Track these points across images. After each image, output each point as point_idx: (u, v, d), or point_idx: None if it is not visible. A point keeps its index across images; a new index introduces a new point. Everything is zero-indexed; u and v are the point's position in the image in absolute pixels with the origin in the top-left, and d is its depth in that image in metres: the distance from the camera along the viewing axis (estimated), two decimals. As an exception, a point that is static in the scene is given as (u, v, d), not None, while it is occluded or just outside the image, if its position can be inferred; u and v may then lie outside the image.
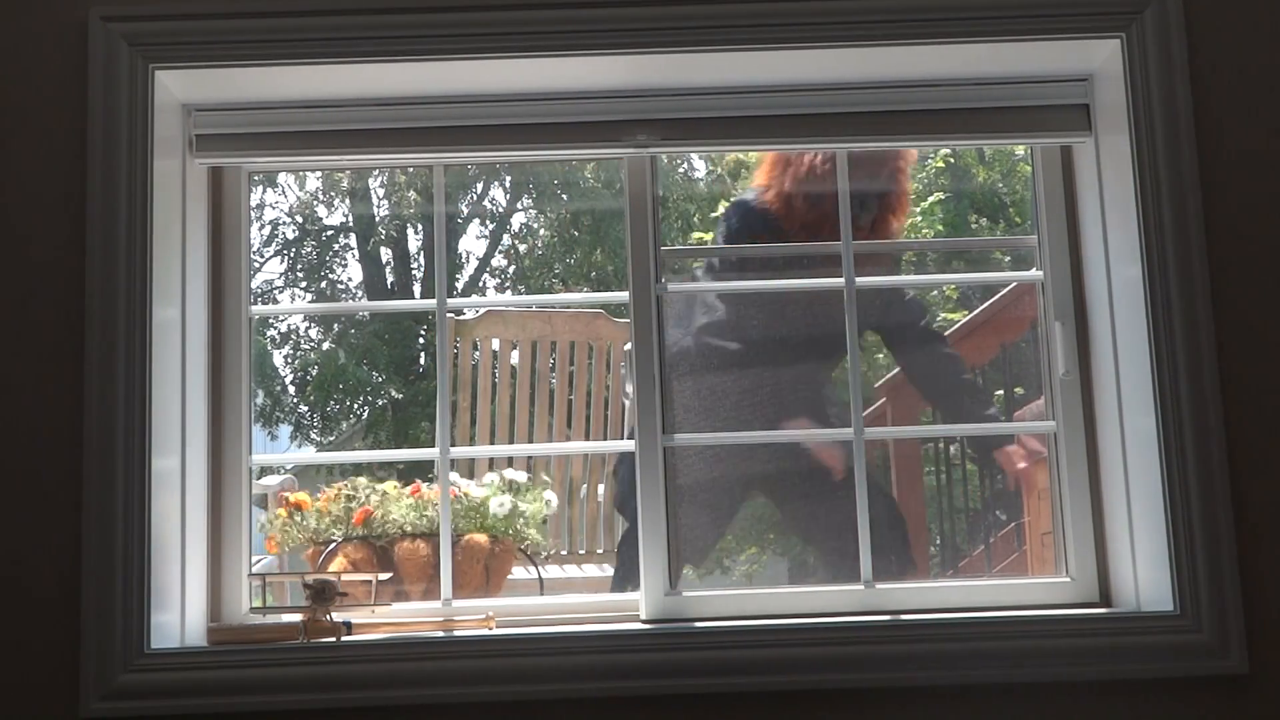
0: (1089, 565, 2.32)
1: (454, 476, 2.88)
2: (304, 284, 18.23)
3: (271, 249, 18.05)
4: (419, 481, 2.83)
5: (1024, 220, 12.77)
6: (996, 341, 4.55)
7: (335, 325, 17.38)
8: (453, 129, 2.34)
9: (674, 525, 2.35)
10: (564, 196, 17.57)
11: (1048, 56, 2.28)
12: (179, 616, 2.20)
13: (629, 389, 2.52)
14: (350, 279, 18.35)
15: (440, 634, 2.24)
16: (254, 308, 2.43)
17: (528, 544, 2.95)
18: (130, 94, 2.16)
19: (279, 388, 17.11)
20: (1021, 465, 2.93)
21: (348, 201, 18.07)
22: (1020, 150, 12.32)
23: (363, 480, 2.85)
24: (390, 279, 17.93)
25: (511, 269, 18.67)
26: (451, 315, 3.89)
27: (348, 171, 16.32)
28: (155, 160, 2.18)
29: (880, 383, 3.64)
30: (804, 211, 2.92)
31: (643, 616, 2.29)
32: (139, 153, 2.15)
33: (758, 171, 3.07)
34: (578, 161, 15.06)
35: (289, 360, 17.57)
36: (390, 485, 2.86)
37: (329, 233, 18.36)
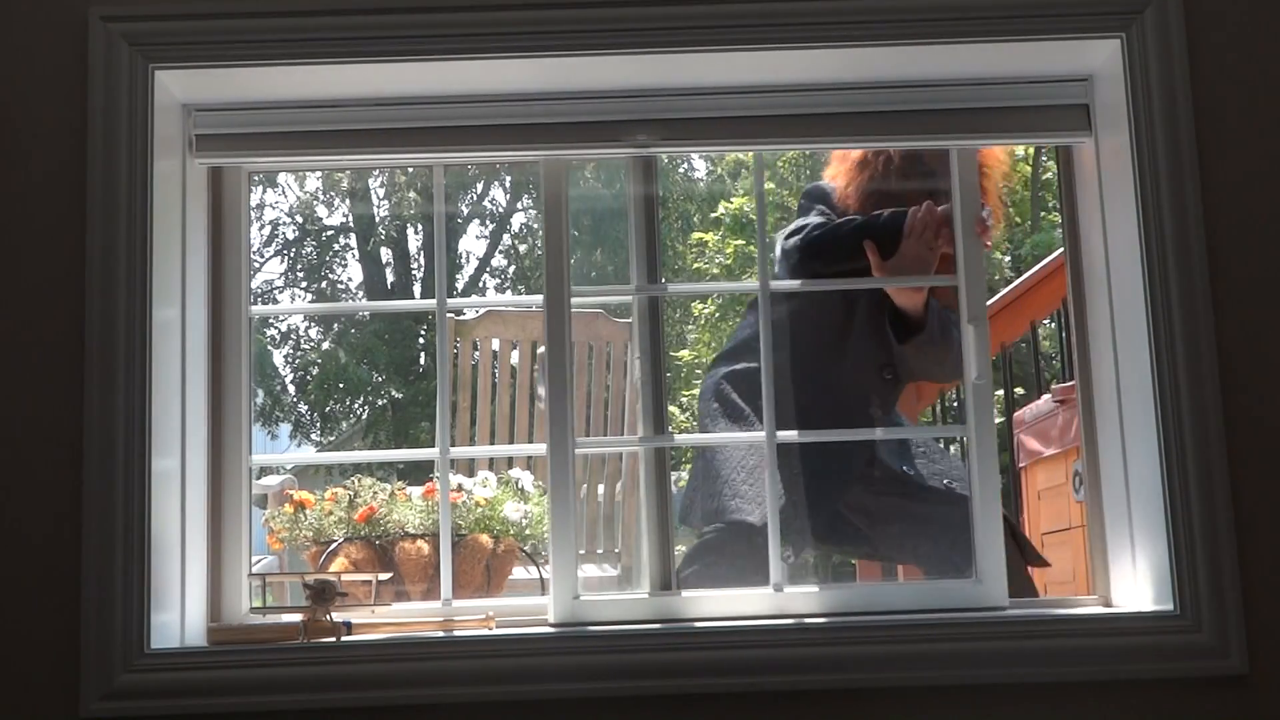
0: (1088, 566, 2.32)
1: (460, 477, 2.88)
2: (304, 284, 18.25)
3: (271, 249, 18.08)
4: (433, 481, 2.83)
5: (1024, 220, 12.77)
6: (1026, 319, 4.59)
7: (335, 325, 17.39)
8: (453, 129, 2.34)
9: (579, 533, 2.34)
10: (563, 196, 17.54)
11: (1048, 56, 2.28)
12: (179, 616, 2.20)
13: (541, 391, 2.50)
14: (350, 279, 18.39)
15: (440, 634, 2.24)
16: (254, 308, 2.43)
17: (529, 544, 2.95)
18: (130, 94, 2.16)
19: (279, 387, 17.12)
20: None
21: (348, 201, 18.08)
22: (1020, 150, 12.34)
23: (369, 480, 2.85)
24: (390, 279, 17.95)
25: (511, 269, 18.68)
26: (451, 315, 3.88)
27: (348, 171, 16.33)
28: (155, 160, 2.18)
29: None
30: (873, 207, 2.91)
31: (551, 620, 2.28)
32: (139, 153, 2.15)
33: (835, 168, 3.03)
34: (578, 161, 15.07)
35: (289, 360, 17.59)
36: (398, 486, 2.85)
37: (329, 233, 18.37)
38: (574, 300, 2.37)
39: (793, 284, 2.87)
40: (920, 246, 2.75)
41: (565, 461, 2.33)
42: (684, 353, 12.68)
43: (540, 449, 2.40)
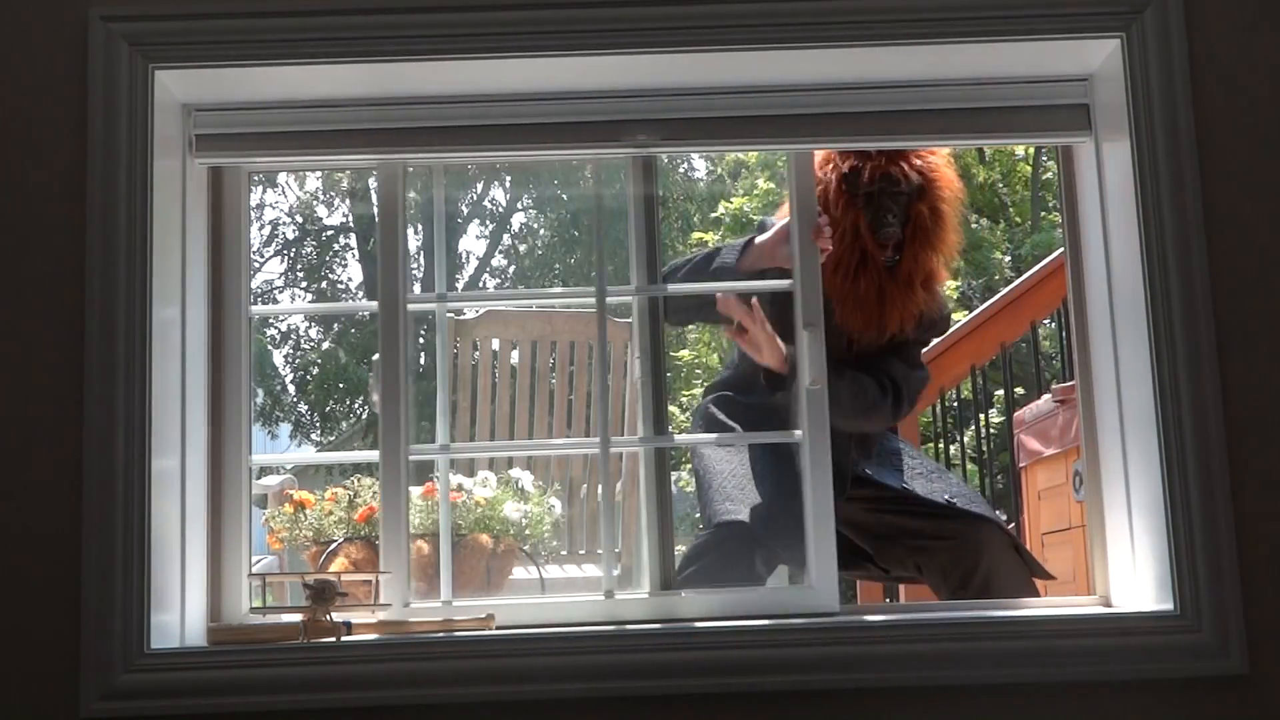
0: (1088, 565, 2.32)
1: (460, 477, 2.88)
2: (304, 284, 18.24)
3: (271, 249, 18.06)
4: (433, 481, 2.82)
5: (1024, 220, 12.77)
6: (1026, 319, 4.59)
7: (335, 325, 17.39)
8: (452, 129, 2.34)
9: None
10: (564, 196, 17.57)
11: (1048, 56, 2.28)
12: (179, 616, 2.20)
13: (375, 398, 2.52)
14: (350, 279, 18.37)
15: (440, 634, 2.24)
16: (254, 308, 2.43)
17: (529, 544, 2.95)
18: (130, 94, 2.16)
19: (279, 387, 17.12)
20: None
21: (348, 201, 18.07)
22: (1020, 150, 12.34)
23: (369, 480, 2.85)
24: (390, 279, 17.91)
25: (511, 269, 18.68)
26: (451, 315, 3.88)
27: (348, 171, 16.32)
28: (155, 160, 2.18)
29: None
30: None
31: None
32: (139, 153, 2.15)
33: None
34: (578, 161, 15.07)
35: (289, 360, 17.58)
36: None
37: (329, 233, 18.36)
38: (573, 300, 2.37)
39: (644, 290, 2.95)
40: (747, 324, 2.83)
41: (397, 468, 2.35)
42: (684, 353, 12.67)
43: (374, 455, 2.43)
